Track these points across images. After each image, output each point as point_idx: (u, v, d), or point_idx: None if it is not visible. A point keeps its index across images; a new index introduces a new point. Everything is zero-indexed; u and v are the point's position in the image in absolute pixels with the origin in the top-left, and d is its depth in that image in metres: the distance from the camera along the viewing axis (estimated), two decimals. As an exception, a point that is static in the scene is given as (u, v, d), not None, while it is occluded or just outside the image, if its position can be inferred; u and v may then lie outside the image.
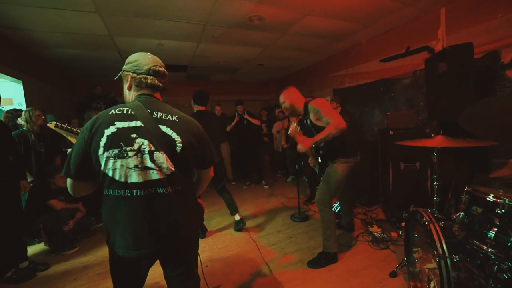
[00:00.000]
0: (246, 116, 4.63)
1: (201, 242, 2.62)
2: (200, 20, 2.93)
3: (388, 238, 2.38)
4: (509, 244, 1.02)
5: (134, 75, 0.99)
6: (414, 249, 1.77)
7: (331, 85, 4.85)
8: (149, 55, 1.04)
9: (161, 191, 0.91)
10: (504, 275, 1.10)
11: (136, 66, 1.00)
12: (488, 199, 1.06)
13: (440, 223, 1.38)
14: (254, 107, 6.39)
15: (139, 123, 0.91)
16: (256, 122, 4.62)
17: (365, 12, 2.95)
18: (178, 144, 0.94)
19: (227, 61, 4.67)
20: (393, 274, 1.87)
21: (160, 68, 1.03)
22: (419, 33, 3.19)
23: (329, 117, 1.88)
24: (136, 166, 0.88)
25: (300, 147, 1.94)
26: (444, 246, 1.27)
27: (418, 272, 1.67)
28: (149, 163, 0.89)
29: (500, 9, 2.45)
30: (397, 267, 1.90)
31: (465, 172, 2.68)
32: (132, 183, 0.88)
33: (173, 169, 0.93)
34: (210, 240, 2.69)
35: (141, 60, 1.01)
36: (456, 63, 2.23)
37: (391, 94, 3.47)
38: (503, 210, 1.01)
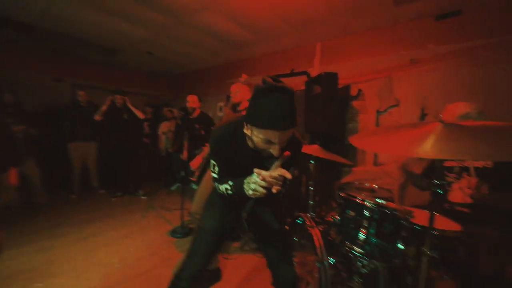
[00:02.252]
0: (129, 105, 3.72)
1: (17, 290, 1.67)
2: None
3: (270, 243, 2.43)
4: (373, 240, 1.13)
5: None
6: (294, 254, 1.83)
7: (226, 91, 4.83)
8: None
9: None
10: (364, 269, 1.22)
11: None
12: (358, 202, 1.15)
13: (320, 227, 1.44)
14: (137, 102, 5.35)
15: None
16: (139, 114, 3.78)
17: (261, 25, 3.09)
18: None
19: (101, 36, 3.62)
20: (275, 282, 1.85)
21: None
22: (302, 59, 3.72)
23: None
24: None
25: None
26: (323, 250, 1.31)
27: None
28: None
29: (353, 55, 3.23)
30: (278, 274, 1.90)
31: (327, 179, 3.26)
32: None
33: None
34: (38, 285, 1.76)
35: None
36: (327, 87, 2.68)
37: (278, 108, 3.82)
38: (370, 213, 1.11)
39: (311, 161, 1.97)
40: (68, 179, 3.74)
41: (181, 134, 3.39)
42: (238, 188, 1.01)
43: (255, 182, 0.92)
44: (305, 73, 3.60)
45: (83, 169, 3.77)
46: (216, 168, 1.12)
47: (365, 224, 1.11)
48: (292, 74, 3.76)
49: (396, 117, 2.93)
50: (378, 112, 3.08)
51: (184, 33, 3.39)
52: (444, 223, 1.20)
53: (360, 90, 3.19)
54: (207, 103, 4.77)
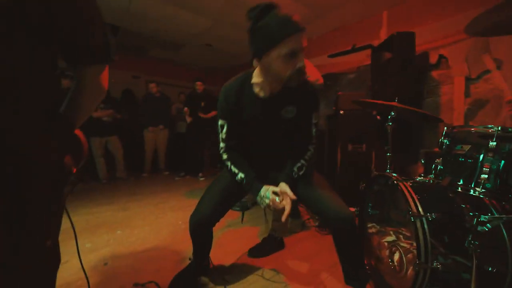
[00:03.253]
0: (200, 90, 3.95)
1: (104, 234, 1.89)
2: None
3: (334, 223, 2.20)
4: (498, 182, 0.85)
5: None
6: (369, 225, 1.58)
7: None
8: None
9: None
10: (484, 227, 0.93)
11: None
12: (474, 130, 0.88)
13: (409, 182, 1.19)
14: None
15: None
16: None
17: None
18: None
19: (169, 31, 4.02)
20: (345, 257, 1.64)
21: None
22: (363, 33, 3.39)
23: None
24: None
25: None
26: (418, 204, 1.06)
27: (376, 248, 1.47)
28: None
29: (430, 16, 2.77)
30: (349, 248, 1.68)
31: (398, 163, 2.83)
32: None
33: None
34: (118, 232, 1.96)
35: None
36: (401, 49, 2.33)
37: (337, 88, 3.54)
38: (495, 142, 0.84)
39: (389, 123, 1.68)
40: (142, 160, 4.22)
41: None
42: (251, 189, 1.08)
43: (268, 205, 1.04)
44: (369, 46, 3.25)
45: (154, 152, 4.22)
46: (225, 128, 1.09)
47: (490, 155, 0.83)
48: (354, 50, 3.45)
49: (497, 82, 2.35)
50: (468, 79, 2.53)
51: (242, 17, 3.46)
52: None
53: (441, 56, 2.69)
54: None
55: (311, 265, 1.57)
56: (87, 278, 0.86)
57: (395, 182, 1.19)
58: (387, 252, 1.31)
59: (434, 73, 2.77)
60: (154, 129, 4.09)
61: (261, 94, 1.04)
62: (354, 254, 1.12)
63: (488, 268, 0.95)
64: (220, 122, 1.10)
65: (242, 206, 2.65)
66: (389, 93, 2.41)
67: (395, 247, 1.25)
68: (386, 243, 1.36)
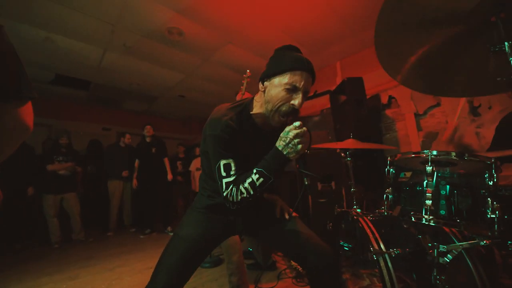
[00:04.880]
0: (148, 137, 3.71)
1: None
2: (108, 17, 2.53)
3: (312, 271, 2.01)
4: (443, 202, 0.84)
5: None
6: (342, 270, 1.45)
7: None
8: None
9: None
10: (444, 259, 0.88)
11: None
12: (413, 156, 0.90)
13: (369, 216, 1.15)
14: (172, 146, 5.69)
15: None
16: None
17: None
18: None
19: (142, 85, 4.17)
20: (322, 312, 1.43)
21: None
22: (323, 81, 3.76)
23: None
24: None
25: None
26: (379, 239, 1.00)
27: (351, 296, 1.32)
28: None
29: (375, 64, 3.17)
30: (326, 300, 1.49)
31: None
32: None
33: None
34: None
35: None
36: (353, 91, 2.57)
37: (305, 130, 3.72)
38: (432, 166, 0.85)
39: (348, 158, 1.73)
40: (105, 216, 3.82)
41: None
42: (274, 162, 0.83)
43: (297, 135, 0.83)
44: (328, 92, 3.57)
45: (119, 207, 3.87)
46: (233, 166, 0.86)
47: (430, 180, 0.83)
48: (316, 95, 3.77)
49: (441, 117, 2.61)
50: (417, 115, 2.79)
51: (211, 71, 3.73)
52: None
53: (391, 97, 3.00)
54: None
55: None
56: None
57: (355, 217, 1.14)
58: (362, 300, 1.17)
59: (388, 112, 3.04)
60: (119, 179, 3.82)
61: (265, 127, 0.96)
62: None
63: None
64: (223, 162, 0.85)
65: (213, 261, 2.38)
66: (347, 130, 2.56)
67: (369, 293, 1.12)
68: (360, 290, 1.23)
